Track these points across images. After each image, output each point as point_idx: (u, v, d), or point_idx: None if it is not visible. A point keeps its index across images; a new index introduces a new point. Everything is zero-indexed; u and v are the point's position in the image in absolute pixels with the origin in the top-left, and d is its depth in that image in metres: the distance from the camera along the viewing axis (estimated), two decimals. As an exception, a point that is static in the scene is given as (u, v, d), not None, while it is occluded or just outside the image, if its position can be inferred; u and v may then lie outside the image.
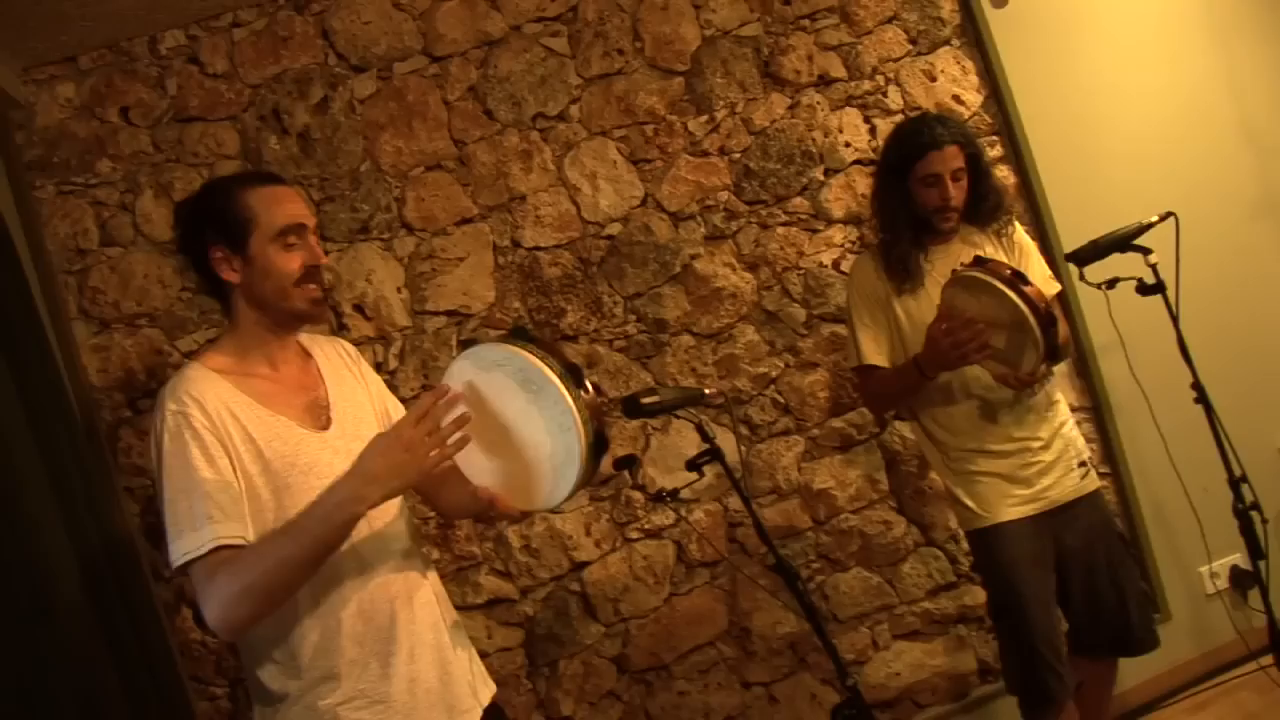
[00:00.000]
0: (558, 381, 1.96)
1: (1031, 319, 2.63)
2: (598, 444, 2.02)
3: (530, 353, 1.98)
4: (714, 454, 2.44)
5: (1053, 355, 2.73)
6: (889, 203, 3.07)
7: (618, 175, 3.51)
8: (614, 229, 3.49)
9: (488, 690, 2.31)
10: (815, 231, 3.62)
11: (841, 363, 3.58)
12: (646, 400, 2.40)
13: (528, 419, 2.00)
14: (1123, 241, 3.00)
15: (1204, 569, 3.74)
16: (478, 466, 2.10)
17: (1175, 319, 3.01)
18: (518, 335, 2.04)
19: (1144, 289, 2.99)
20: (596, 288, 3.47)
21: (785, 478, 3.55)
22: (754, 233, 3.58)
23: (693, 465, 2.47)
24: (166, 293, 3.23)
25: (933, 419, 3.07)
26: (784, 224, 3.60)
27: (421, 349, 3.34)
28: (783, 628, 3.51)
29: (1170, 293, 3.02)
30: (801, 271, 3.60)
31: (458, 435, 1.97)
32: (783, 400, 3.57)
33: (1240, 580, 3.73)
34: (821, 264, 3.61)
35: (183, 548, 1.94)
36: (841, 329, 3.59)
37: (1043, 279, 3.08)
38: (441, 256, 3.38)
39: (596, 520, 3.43)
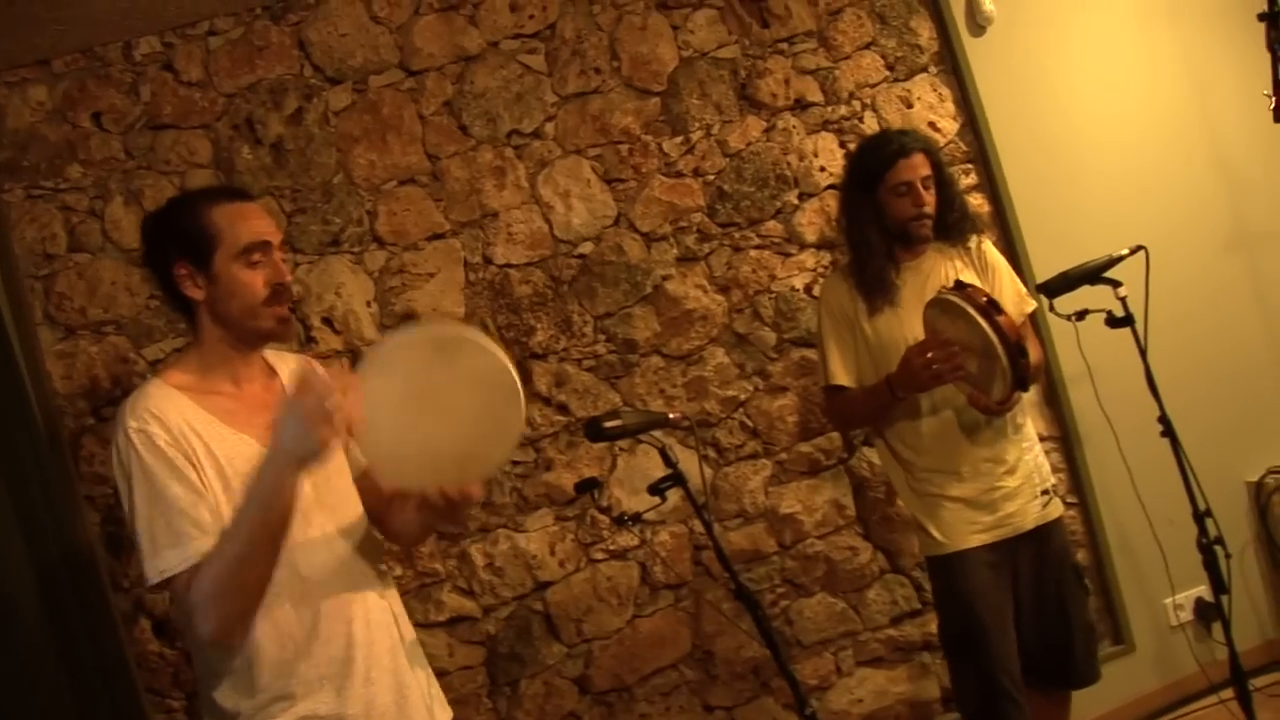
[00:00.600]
0: (468, 331, 1.97)
1: (1000, 349, 2.63)
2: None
3: (429, 324, 1.97)
4: (676, 479, 2.42)
5: (1021, 385, 2.74)
6: (859, 219, 3.07)
7: (591, 194, 3.50)
8: (586, 248, 3.49)
9: (445, 713, 2.29)
10: (788, 255, 3.62)
11: (811, 387, 3.58)
12: (609, 424, 2.39)
13: (450, 384, 1.96)
14: (1093, 274, 3.01)
15: (1168, 601, 3.75)
16: (420, 465, 2.03)
17: (1143, 352, 3.02)
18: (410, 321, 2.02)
19: (1113, 322, 3.01)
20: (567, 306, 3.46)
21: (752, 501, 3.54)
22: (726, 255, 3.58)
23: (655, 490, 2.46)
24: (134, 300, 3.21)
25: (899, 438, 3.06)
26: (757, 247, 3.60)
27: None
28: (746, 652, 3.50)
29: (1139, 326, 3.04)
30: (773, 295, 3.60)
31: (350, 400, 1.88)
32: (751, 424, 3.57)
33: (1204, 613, 3.73)
34: (793, 288, 3.61)
35: (161, 565, 1.94)
36: (812, 353, 3.58)
37: (1016, 297, 3.10)
38: (412, 271, 3.37)
39: (561, 540, 3.41)
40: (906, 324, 2.97)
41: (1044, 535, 3.02)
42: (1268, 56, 2.93)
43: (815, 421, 3.60)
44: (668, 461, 2.44)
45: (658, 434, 2.61)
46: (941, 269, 3.03)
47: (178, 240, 2.09)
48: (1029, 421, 3.10)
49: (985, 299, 2.69)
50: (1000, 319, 2.63)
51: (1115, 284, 3.00)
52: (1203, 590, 3.71)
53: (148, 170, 3.24)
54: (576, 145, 3.50)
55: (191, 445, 2.00)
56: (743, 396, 3.57)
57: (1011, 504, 2.98)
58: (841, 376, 3.05)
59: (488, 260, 3.42)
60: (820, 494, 3.59)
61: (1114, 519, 3.71)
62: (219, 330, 2.13)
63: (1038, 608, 3.02)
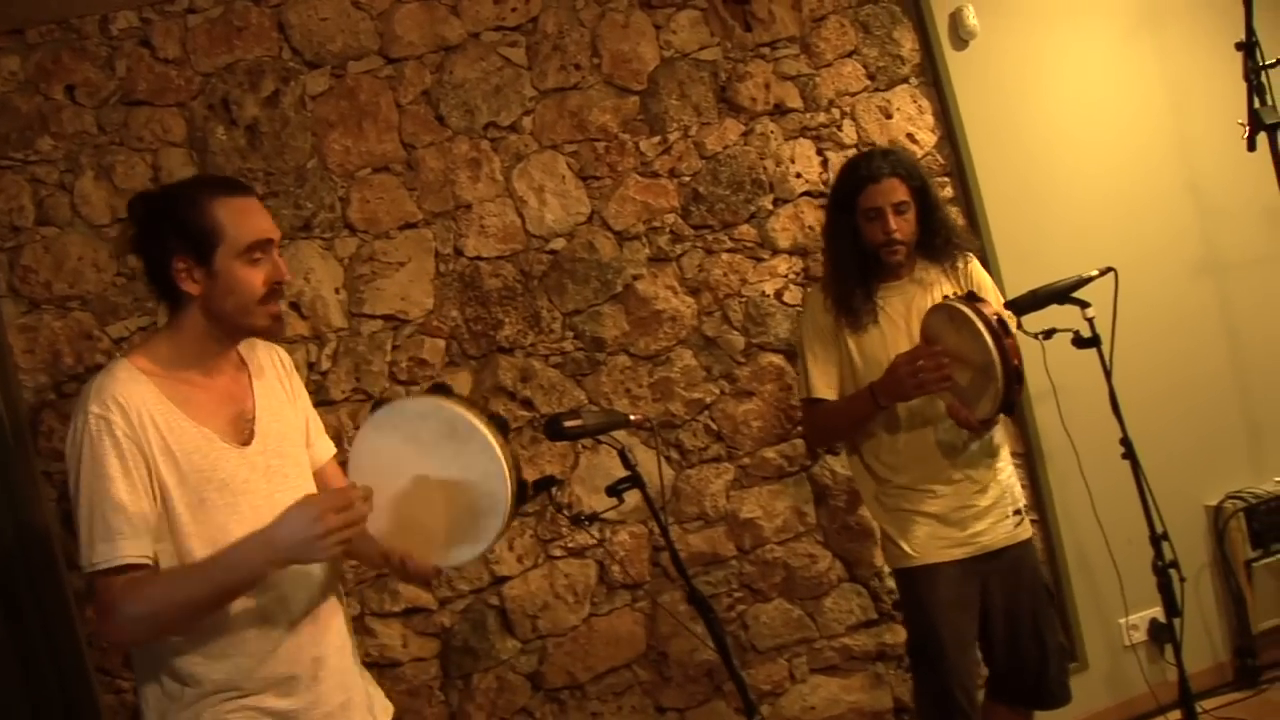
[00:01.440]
0: (485, 429, 1.97)
1: (1000, 372, 2.64)
2: (520, 494, 2.03)
3: (455, 403, 1.99)
4: (635, 481, 2.42)
5: (1008, 409, 2.75)
6: (836, 238, 3.08)
7: (565, 190, 3.49)
8: (558, 244, 3.48)
9: (385, 712, 2.29)
10: (760, 260, 3.62)
11: (777, 393, 3.58)
12: (569, 424, 2.38)
13: (452, 470, 2.01)
14: (1061, 294, 3.02)
15: (1123, 621, 3.78)
16: (392, 525, 2.08)
17: (1108, 374, 3.04)
18: (441, 391, 2.05)
19: (1080, 342, 3.02)
20: (536, 302, 3.45)
21: (713, 505, 3.55)
22: (698, 257, 3.58)
23: (613, 491, 2.45)
24: (100, 277, 3.19)
25: (874, 453, 3.06)
26: (729, 250, 3.60)
27: (355, 351, 3.31)
28: (700, 655, 3.50)
29: (1106, 347, 3.05)
30: (743, 299, 3.60)
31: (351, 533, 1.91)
32: (715, 427, 3.57)
33: (1158, 634, 3.76)
34: (764, 293, 3.61)
35: (92, 557, 1.93)
36: (779, 359, 3.60)
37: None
38: (382, 260, 3.35)
39: (520, 536, 3.41)
40: (890, 342, 2.97)
41: (1015, 556, 3.03)
42: (1243, 84, 2.96)
43: (779, 427, 3.60)
44: (626, 463, 2.44)
45: (618, 435, 2.60)
46: (927, 290, 3.02)
47: (179, 234, 2.04)
48: (1005, 443, 3.11)
49: (997, 318, 2.68)
50: (1007, 341, 2.64)
51: (1084, 304, 3.01)
52: (1157, 611, 3.70)
53: (120, 146, 3.22)
54: (553, 140, 3.49)
55: (149, 438, 1.98)
56: (708, 399, 3.57)
57: (981, 523, 2.99)
58: (822, 389, 3.05)
59: (459, 252, 3.41)
60: (781, 500, 3.60)
61: (1073, 537, 3.73)
62: (207, 324, 2.10)
63: (1011, 629, 3.03)
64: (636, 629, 3.49)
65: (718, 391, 3.57)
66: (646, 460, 3.40)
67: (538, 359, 3.44)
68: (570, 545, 3.44)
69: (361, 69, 3.37)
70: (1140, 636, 3.79)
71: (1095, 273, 3.05)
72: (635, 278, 3.52)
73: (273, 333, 2.17)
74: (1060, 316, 3.12)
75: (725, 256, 3.60)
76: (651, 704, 3.49)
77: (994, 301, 3.13)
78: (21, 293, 3.15)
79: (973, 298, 2.80)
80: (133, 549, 1.93)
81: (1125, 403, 3.15)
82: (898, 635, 3.64)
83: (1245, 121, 2.87)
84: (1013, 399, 2.73)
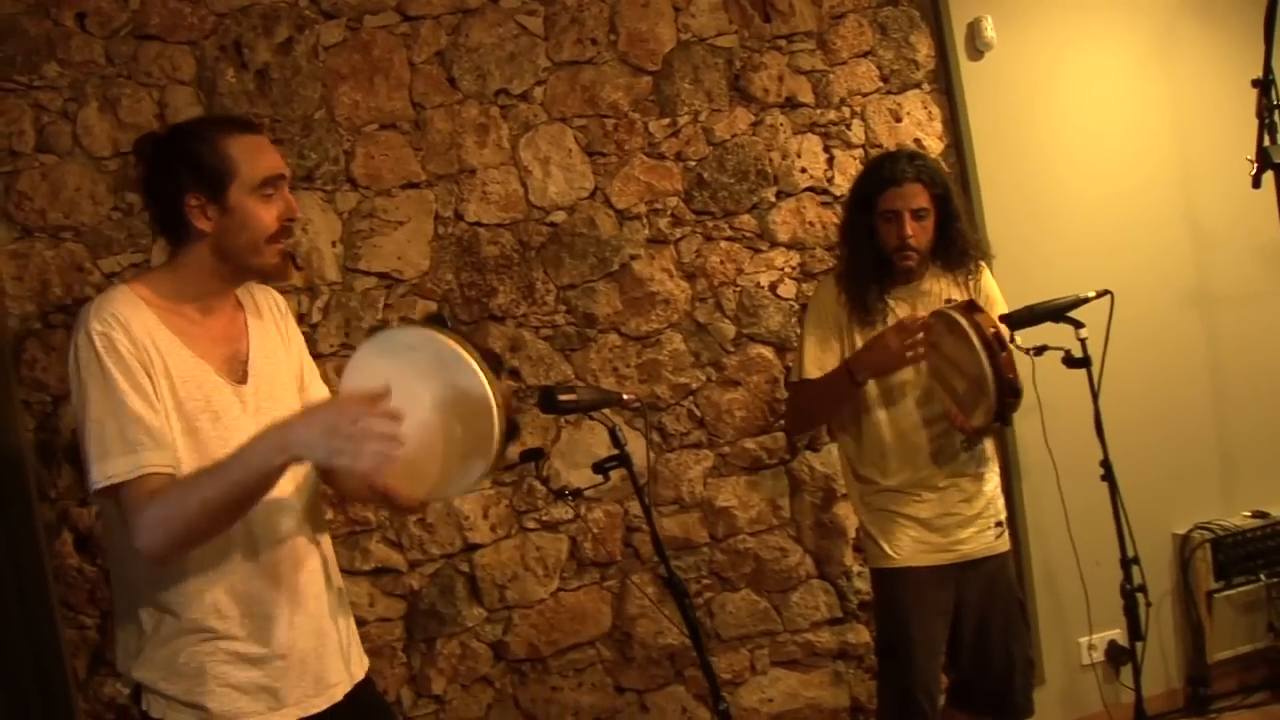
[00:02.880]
0: (476, 365, 1.93)
1: (993, 385, 2.66)
2: (510, 432, 2.00)
3: (448, 337, 1.95)
4: (622, 460, 2.43)
5: (1002, 420, 2.77)
6: (853, 236, 3.08)
7: (571, 164, 3.48)
8: (558, 217, 3.47)
9: (361, 665, 2.28)
10: (758, 251, 3.63)
11: (763, 385, 3.59)
12: (564, 397, 2.39)
13: (441, 403, 1.96)
14: (1058, 312, 3.04)
15: (1083, 640, 3.82)
16: None
17: (1095, 395, 3.06)
18: (435, 322, 2.02)
19: (1071, 361, 3.05)
20: (531, 273, 3.44)
21: (689, 490, 3.56)
22: (697, 243, 3.58)
23: (599, 469, 2.47)
24: (97, 209, 3.15)
25: (864, 454, 3.08)
26: (728, 239, 3.60)
27: (347, 306, 3.30)
28: (664, 638, 3.52)
29: (1095, 369, 3.07)
30: (738, 289, 3.60)
31: (389, 452, 1.84)
32: (699, 413, 3.57)
33: (1115, 656, 3.80)
34: (759, 284, 3.62)
35: (109, 470, 1.90)
36: (768, 352, 3.61)
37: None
38: (382, 217, 3.34)
39: (496, 504, 3.41)
40: None
41: (992, 568, 3.06)
42: (1254, 121, 2.98)
43: (762, 419, 3.62)
44: (616, 442, 2.45)
45: (607, 413, 2.61)
46: (938, 295, 3.03)
47: (192, 170, 2.03)
48: (993, 456, 3.13)
49: (994, 331, 2.69)
50: (1002, 356, 2.65)
51: (1078, 324, 3.03)
52: (1117, 634, 3.78)
53: (127, 80, 3.18)
54: (563, 113, 3.48)
55: (151, 358, 1.97)
56: (694, 385, 3.57)
57: (964, 531, 3.02)
58: (811, 372, 3.04)
59: (459, 216, 3.40)
60: (758, 491, 3.61)
61: (1042, 554, 3.77)
62: (214, 262, 2.08)
63: (981, 638, 3.06)
64: (603, 607, 3.50)
65: (704, 378, 3.58)
66: (631, 440, 3.39)
67: (529, 330, 3.43)
68: (545, 518, 3.44)
69: (378, 23, 3.34)
70: (1098, 657, 3.83)
71: (1093, 294, 3.07)
72: (633, 257, 3.52)
73: (280, 272, 2.16)
74: (1053, 334, 3.15)
75: (724, 244, 3.60)
76: (612, 683, 3.50)
77: (997, 315, 3.14)
78: (15, 219, 3.11)
79: (972, 308, 2.81)
80: (155, 458, 1.91)
81: (1105, 425, 3.18)
82: (860, 635, 3.67)
83: (1254, 158, 2.89)
84: (1006, 411, 2.75)
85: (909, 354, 2.80)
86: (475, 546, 3.39)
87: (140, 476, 1.90)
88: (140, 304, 2.03)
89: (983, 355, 2.68)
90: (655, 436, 3.53)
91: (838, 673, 3.67)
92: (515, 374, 3.41)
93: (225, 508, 1.92)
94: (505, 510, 3.42)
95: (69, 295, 3.13)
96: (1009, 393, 2.70)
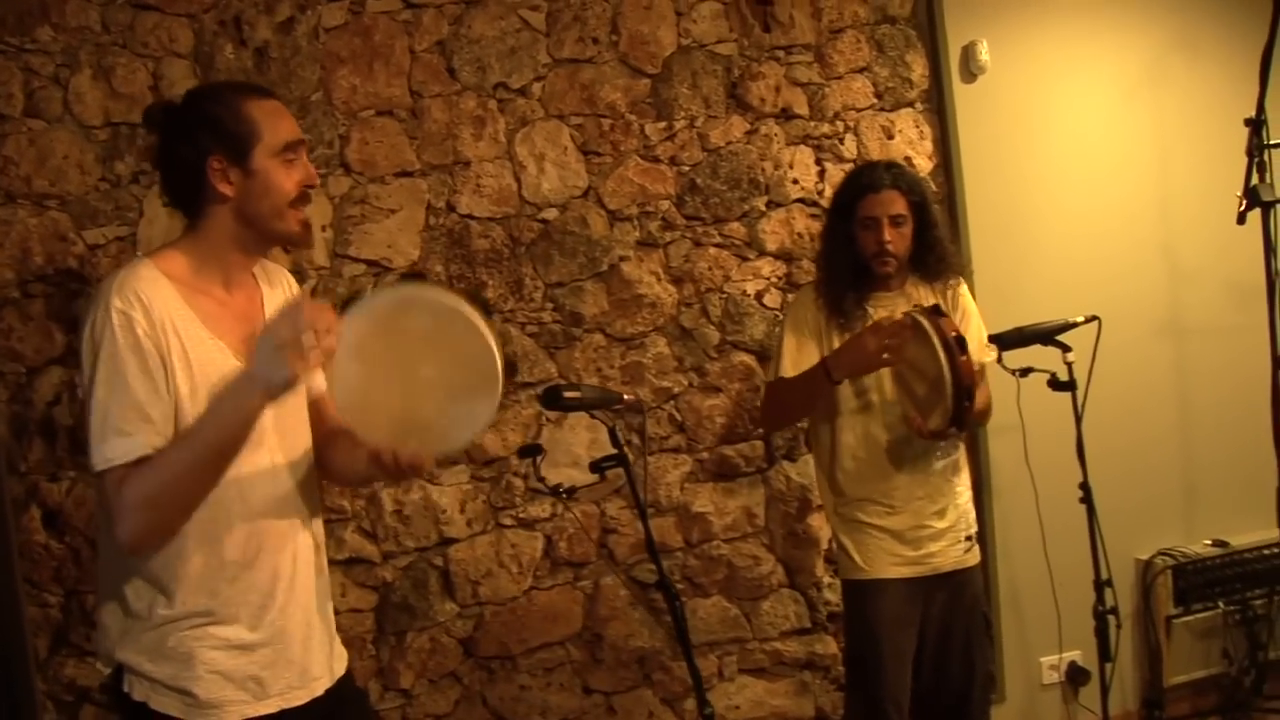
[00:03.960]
0: (467, 309, 1.91)
1: (950, 388, 2.69)
2: (508, 369, 1.98)
3: (433, 289, 1.94)
4: (621, 461, 2.42)
5: (958, 424, 2.80)
6: (831, 244, 3.11)
7: (565, 162, 3.47)
8: (550, 214, 3.46)
9: (341, 660, 2.25)
10: (745, 259, 3.64)
11: (745, 392, 3.61)
12: (569, 394, 2.39)
13: (436, 355, 1.95)
14: (1046, 335, 3.10)
15: (1044, 660, 3.86)
16: (377, 421, 2.02)
17: (1079, 419, 3.11)
18: (415, 278, 1.98)
19: (1056, 384, 3.10)
20: (520, 269, 3.43)
21: (667, 494, 3.56)
22: (686, 248, 3.58)
23: (596, 468, 2.46)
24: (84, 179, 3.09)
25: (837, 464, 3.09)
26: (717, 245, 3.61)
27: (334, 292, 3.26)
28: (635, 641, 3.51)
29: (1079, 393, 3.13)
30: (724, 296, 3.61)
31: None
32: (679, 418, 3.58)
33: (1075, 677, 3.86)
34: (745, 292, 3.63)
35: (107, 453, 1.87)
36: (750, 360, 3.63)
37: (978, 345, 3.14)
38: (374, 204, 3.30)
39: (473, 499, 3.38)
40: None
41: (960, 581, 3.09)
42: (1235, 158, 3.04)
43: (742, 426, 3.63)
44: (615, 442, 2.45)
45: (608, 413, 2.60)
46: (917, 302, 3.06)
47: (214, 133, 2.00)
48: (965, 470, 3.16)
49: (954, 334, 2.73)
50: (961, 359, 2.68)
51: (1065, 348, 3.08)
52: (1077, 655, 3.83)
53: (122, 49, 3.12)
54: (560, 110, 3.47)
55: (168, 342, 1.93)
56: (676, 389, 3.58)
57: (935, 544, 3.04)
58: (789, 371, 3.06)
59: (451, 207, 3.38)
60: (734, 498, 3.62)
61: (1008, 572, 3.81)
62: (236, 228, 2.05)
63: (942, 650, 3.09)
64: (575, 607, 3.49)
65: (686, 383, 3.58)
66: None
67: (514, 326, 3.41)
68: (521, 516, 3.43)
69: (380, 8, 3.31)
70: (1058, 677, 3.88)
71: (1081, 319, 3.13)
72: (622, 259, 3.52)
73: (301, 239, 2.14)
74: (1037, 356, 3.19)
75: (712, 251, 3.61)
76: (580, 684, 3.49)
77: (975, 329, 3.19)
78: (-1, 184, 3.05)
79: (936, 311, 2.85)
80: (153, 441, 1.88)
81: (1072, 450, 3.25)
82: (828, 646, 3.69)
83: (1242, 195, 2.96)
84: (962, 415, 2.78)
85: (885, 355, 2.83)
86: (450, 541, 3.37)
87: (134, 461, 1.86)
88: (164, 281, 1.98)
89: (943, 357, 2.72)
90: (634, 438, 3.52)
91: (804, 682, 3.69)
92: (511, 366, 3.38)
93: (203, 471, 1.88)
94: (482, 506, 3.39)
95: (50, 265, 3.06)
96: (966, 397, 2.74)
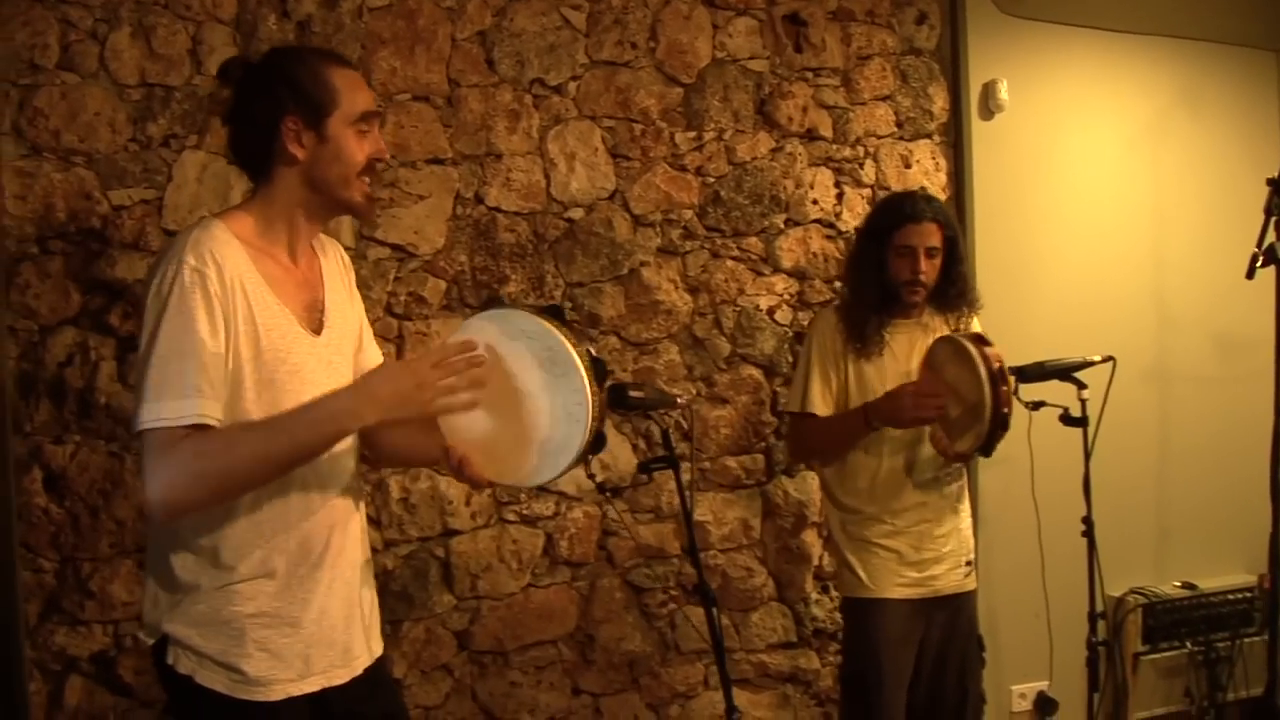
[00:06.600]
0: (584, 371, 1.95)
1: (989, 416, 2.75)
2: (595, 443, 2.02)
3: (564, 335, 1.96)
4: (671, 463, 2.44)
5: (986, 451, 2.86)
6: (861, 266, 3.16)
7: (595, 163, 3.48)
8: (576, 213, 3.47)
9: (379, 643, 2.23)
10: (760, 275, 3.68)
11: (751, 405, 3.64)
12: (634, 394, 2.40)
13: (538, 397, 1.98)
14: (1065, 370, 3.18)
15: (1015, 688, 3.95)
16: (464, 425, 2.05)
17: (1088, 455, 3.19)
18: (553, 314, 2.02)
19: (1068, 420, 3.17)
20: (543, 265, 3.43)
21: (668, 501, 3.57)
22: (704, 258, 3.61)
23: (645, 468, 2.48)
24: (115, 138, 3.02)
25: (847, 482, 3.13)
26: (734, 258, 3.65)
27: (359, 275, 3.20)
28: (627, 644, 3.52)
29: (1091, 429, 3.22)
30: (738, 309, 3.65)
31: (467, 397, 1.94)
32: (685, 426, 3.60)
33: (1043, 706, 3.96)
34: (758, 307, 3.67)
35: (161, 412, 1.81)
36: (758, 374, 3.67)
37: None
38: (403, 189, 3.28)
39: (479, 492, 3.36)
40: (889, 376, 3.05)
41: (958, 604, 3.15)
42: (1237, 214, 3.15)
43: (745, 439, 3.66)
44: (668, 443, 2.47)
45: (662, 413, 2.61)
46: (930, 335, 3.11)
47: (293, 93, 1.99)
48: (967, 496, 3.23)
49: (999, 365, 2.79)
50: (1003, 389, 2.74)
51: (1081, 385, 3.16)
52: (1046, 685, 3.93)
53: (165, 9, 3.06)
54: (594, 111, 3.48)
55: (236, 304, 1.90)
56: (680, 399, 3.58)
57: (939, 567, 3.10)
58: (820, 406, 3.10)
59: (479, 199, 3.36)
60: (733, 509, 3.65)
61: (987, 600, 3.88)
62: (304, 193, 2.03)
63: (937, 671, 3.14)
64: (570, 607, 3.49)
65: (695, 392, 3.61)
66: (615, 444, 3.45)
67: (533, 322, 3.40)
68: (525, 512, 3.42)
69: (427, -7, 3.30)
70: (1026, 705, 3.98)
71: (1098, 358, 3.22)
72: (642, 264, 3.53)
73: (364, 211, 2.14)
74: (1047, 391, 3.28)
75: (729, 263, 3.64)
76: (570, 684, 3.49)
77: None
78: (25, 135, 2.96)
79: (981, 340, 2.91)
80: (210, 409, 1.84)
81: (1059, 485, 3.36)
82: (811, 661, 3.74)
83: (1259, 251, 3.06)
84: (994, 442, 2.85)
85: (923, 415, 2.89)
86: (453, 532, 3.35)
87: (183, 425, 1.82)
88: (235, 243, 1.96)
89: (987, 386, 2.78)
90: (641, 443, 3.54)
91: (786, 695, 3.72)
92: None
93: (277, 465, 1.88)
94: (487, 499, 3.38)
95: (73, 223, 2.99)
96: (1001, 425, 2.81)
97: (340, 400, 1.88)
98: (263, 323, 1.95)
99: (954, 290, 3.17)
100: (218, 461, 1.82)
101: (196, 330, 1.85)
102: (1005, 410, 2.77)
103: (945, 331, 3.13)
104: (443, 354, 1.92)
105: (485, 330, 2.01)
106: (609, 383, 2.51)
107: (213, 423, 1.85)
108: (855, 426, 3.01)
